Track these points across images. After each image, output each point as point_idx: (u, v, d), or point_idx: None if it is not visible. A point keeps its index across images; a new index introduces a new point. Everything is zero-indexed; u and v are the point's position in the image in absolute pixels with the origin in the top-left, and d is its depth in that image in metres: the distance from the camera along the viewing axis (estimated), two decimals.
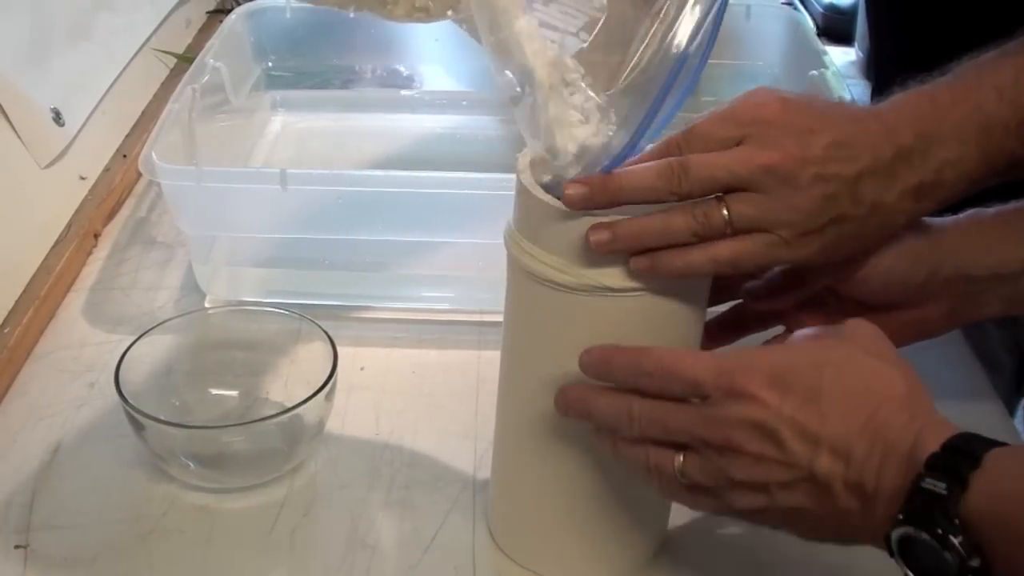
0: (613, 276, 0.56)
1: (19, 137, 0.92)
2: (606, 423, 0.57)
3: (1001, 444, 0.47)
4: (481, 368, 0.82)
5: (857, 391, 0.50)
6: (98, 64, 1.08)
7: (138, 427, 0.70)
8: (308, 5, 1.14)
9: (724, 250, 0.56)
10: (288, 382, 0.78)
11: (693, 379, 0.53)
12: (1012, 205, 0.62)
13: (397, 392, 0.81)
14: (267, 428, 0.71)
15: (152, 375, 0.76)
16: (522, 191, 0.58)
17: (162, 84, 1.22)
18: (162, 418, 0.70)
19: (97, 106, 1.05)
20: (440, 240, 0.87)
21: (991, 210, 0.62)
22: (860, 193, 0.57)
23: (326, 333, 0.75)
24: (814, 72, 0.94)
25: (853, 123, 0.58)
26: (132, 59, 1.14)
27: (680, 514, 0.69)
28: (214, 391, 0.79)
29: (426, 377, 0.83)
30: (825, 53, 1.01)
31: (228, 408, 0.78)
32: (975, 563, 0.46)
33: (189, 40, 1.33)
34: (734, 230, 0.56)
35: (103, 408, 0.78)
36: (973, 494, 0.45)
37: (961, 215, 0.62)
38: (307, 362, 0.76)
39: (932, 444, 0.47)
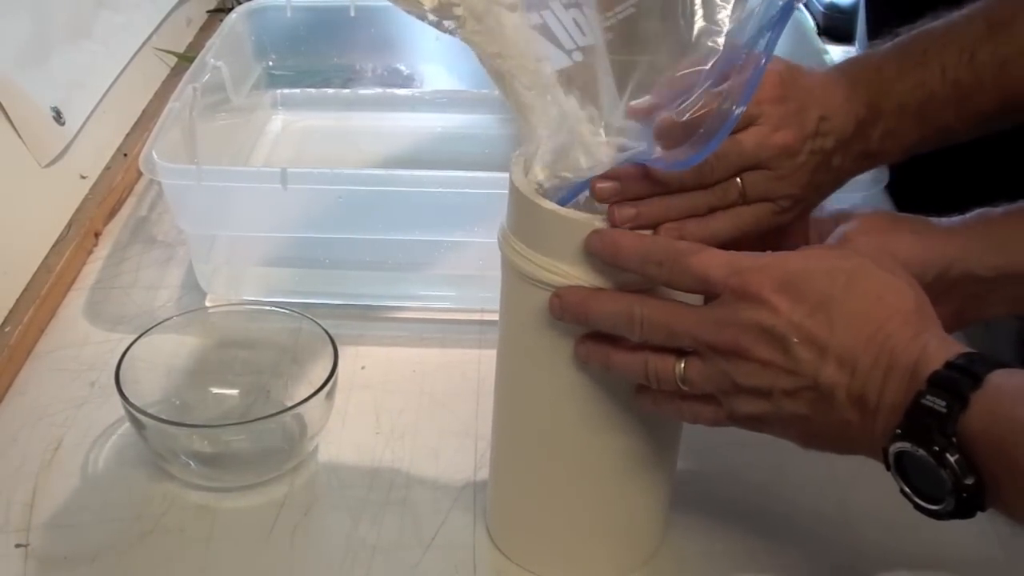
0: (605, 277, 0.56)
1: (20, 136, 0.92)
2: (606, 326, 0.55)
3: (1004, 365, 0.47)
4: (482, 367, 0.82)
5: (867, 301, 0.50)
6: (99, 63, 1.08)
7: (139, 426, 0.70)
8: (309, 5, 1.14)
9: (745, 216, 0.59)
10: (289, 381, 0.78)
11: (704, 274, 0.52)
12: (1020, 205, 0.62)
13: (398, 391, 0.81)
14: (268, 427, 0.71)
15: (153, 374, 0.76)
16: (515, 192, 0.58)
17: (163, 83, 1.22)
18: (163, 417, 0.70)
19: (98, 105, 1.05)
20: (441, 239, 0.87)
21: (999, 210, 0.62)
22: (832, 162, 0.61)
23: (327, 332, 0.75)
24: None
25: (825, 94, 0.61)
26: (133, 58, 1.14)
27: (677, 514, 0.69)
28: (215, 390, 0.79)
29: (427, 376, 0.83)
30: (826, 52, 1.01)
31: (229, 407, 0.78)
32: (970, 481, 0.46)
33: (190, 39, 1.33)
34: (746, 200, 0.59)
35: (104, 407, 0.78)
36: (972, 414, 0.46)
37: (968, 215, 0.63)
38: (308, 361, 0.76)
39: (936, 361, 0.47)
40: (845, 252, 0.53)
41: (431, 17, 0.55)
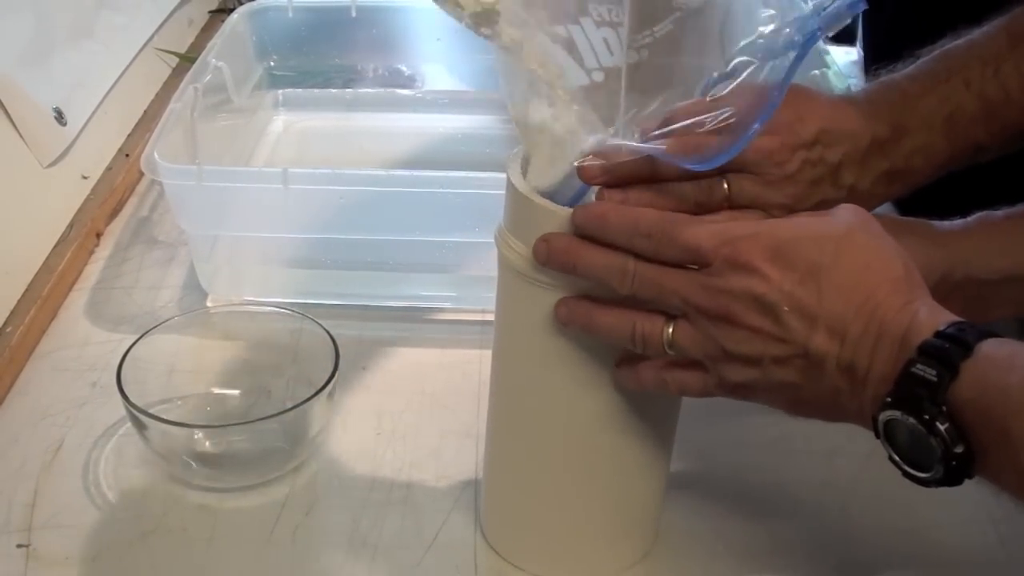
0: None
1: (21, 136, 0.92)
2: (593, 275, 0.54)
3: (994, 334, 0.47)
4: (483, 367, 0.82)
5: (856, 270, 0.50)
6: (100, 63, 1.08)
7: (140, 426, 0.70)
8: (310, 5, 1.15)
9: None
10: (290, 381, 0.78)
11: (695, 245, 0.52)
12: (1022, 208, 0.62)
13: (399, 391, 0.81)
14: (269, 427, 0.71)
15: (154, 374, 0.76)
16: (511, 189, 0.58)
17: (164, 83, 1.22)
18: (164, 417, 0.70)
19: (99, 105, 1.05)
20: (441, 239, 0.87)
21: (1000, 213, 0.62)
22: (841, 178, 0.61)
23: (328, 332, 0.75)
24: (816, 71, 0.94)
25: (834, 111, 0.61)
26: (134, 58, 1.14)
27: (676, 514, 0.69)
28: (216, 390, 0.79)
29: (428, 376, 0.83)
30: (827, 52, 1.01)
31: (230, 407, 0.78)
32: (959, 449, 0.46)
33: (191, 39, 1.33)
34: (731, 204, 0.59)
35: (105, 407, 0.78)
36: (962, 382, 0.46)
37: (970, 219, 0.63)
38: (309, 361, 0.76)
39: (926, 329, 0.47)
40: (834, 220, 0.52)
41: (468, 21, 0.54)
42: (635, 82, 0.56)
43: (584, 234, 0.54)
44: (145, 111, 1.17)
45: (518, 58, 0.54)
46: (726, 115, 0.54)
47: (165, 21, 1.24)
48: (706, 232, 0.52)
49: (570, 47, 0.55)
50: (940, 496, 0.70)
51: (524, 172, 0.58)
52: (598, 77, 0.56)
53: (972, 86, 0.61)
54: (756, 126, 0.53)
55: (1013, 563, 0.68)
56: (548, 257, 0.55)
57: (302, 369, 0.77)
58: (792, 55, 0.53)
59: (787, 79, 0.53)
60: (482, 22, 0.54)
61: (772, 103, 0.53)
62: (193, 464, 0.71)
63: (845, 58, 1.22)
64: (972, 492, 0.70)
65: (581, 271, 0.54)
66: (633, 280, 0.53)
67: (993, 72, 0.62)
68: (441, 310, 0.90)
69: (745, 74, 0.54)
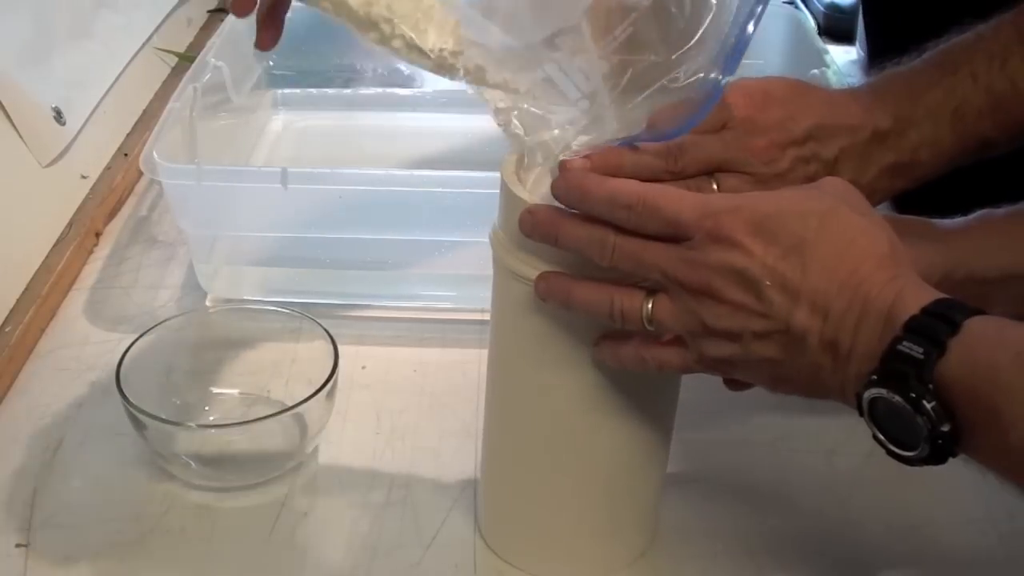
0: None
1: (20, 136, 0.92)
2: (575, 248, 0.54)
3: (981, 312, 0.47)
4: (482, 367, 0.81)
5: (841, 245, 0.49)
6: (99, 63, 1.08)
7: (139, 426, 0.70)
8: (305, 5, 1.14)
9: None
10: (289, 381, 0.78)
11: (675, 217, 0.51)
12: (1023, 206, 0.62)
13: (398, 391, 0.81)
14: (268, 427, 0.71)
15: (153, 374, 0.75)
16: (506, 191, 0.58)
17: (163, 83, 1.22)
18: (163, 417, 0.70)
19: (98, 105, 1.05)
20: (441, 239, 0.87)
21: (1001, 211, 0.62)
22: (839, 173, 0.60)
23: (327, 332, 0.75)
24: (815, 71, 0.94)
25: (831, 107, 0.61)
26: (133, 58, 1.14)
27: (675, 514, 0.69)
28: (215, 390, 0.79)
29: (427, 376, 0.83)
30: (826, 52, 1.01)
31: (229, 407, 0.78)
32: (946, 428, 0.45)
33: (190, 39, 1.33)
34: None
35: (104, 407, 0.78)
36: (949, 360, 0.45)
37: (972, 217, 0.62)
38: (308, 361, 0.76)
39: (912, 306, 0.47)
40: (818, 194, 0.52)
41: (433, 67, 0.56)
42: (614, 87, 0.56)
43: (566, 206, 0.54)
44: (144, 111, 1.17)
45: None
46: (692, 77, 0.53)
47: (164, 20, 1.24)
48: (688, 204, 0.51)
49: (550, 86, 0.56)
50: (939, 495, 0.70)
51: (520, 178, 0.58)
52: (584, 106, 0.56)
53: (979, 79, 0.61)
54: (724, 80, 0.52)
55: (1012, 562, 0.68)
56: (532, 228, 0.55)
57: (301, 369, 0.77)
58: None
59: (752, 25, 0.52)
60: (444, 71, 0.56)
61: (736, 55, 0.52)
62: (192, 464, 0.71)
63: (845, 57, 1.22)
64: (971, 491, 0.70)
65: (563, 242, 0.54)
66: (613, 252, 0.52)
67: (1000, 66, 0.61)
68: (440, 310, 0.90)
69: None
